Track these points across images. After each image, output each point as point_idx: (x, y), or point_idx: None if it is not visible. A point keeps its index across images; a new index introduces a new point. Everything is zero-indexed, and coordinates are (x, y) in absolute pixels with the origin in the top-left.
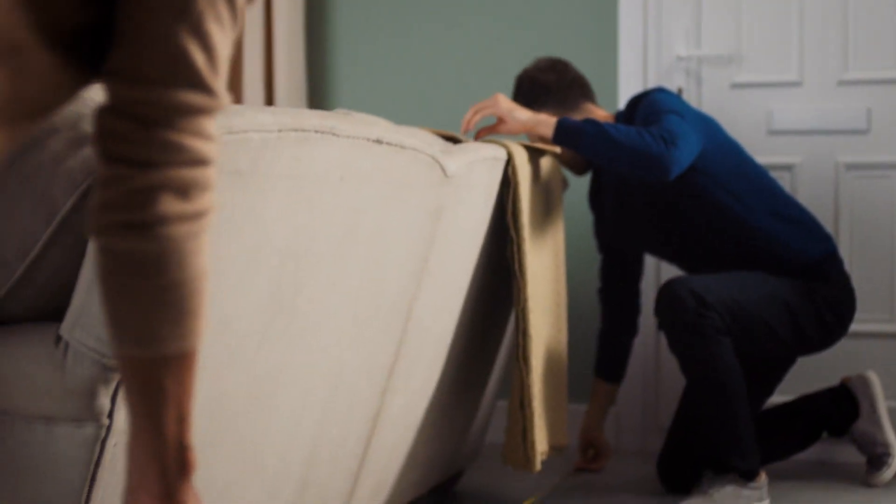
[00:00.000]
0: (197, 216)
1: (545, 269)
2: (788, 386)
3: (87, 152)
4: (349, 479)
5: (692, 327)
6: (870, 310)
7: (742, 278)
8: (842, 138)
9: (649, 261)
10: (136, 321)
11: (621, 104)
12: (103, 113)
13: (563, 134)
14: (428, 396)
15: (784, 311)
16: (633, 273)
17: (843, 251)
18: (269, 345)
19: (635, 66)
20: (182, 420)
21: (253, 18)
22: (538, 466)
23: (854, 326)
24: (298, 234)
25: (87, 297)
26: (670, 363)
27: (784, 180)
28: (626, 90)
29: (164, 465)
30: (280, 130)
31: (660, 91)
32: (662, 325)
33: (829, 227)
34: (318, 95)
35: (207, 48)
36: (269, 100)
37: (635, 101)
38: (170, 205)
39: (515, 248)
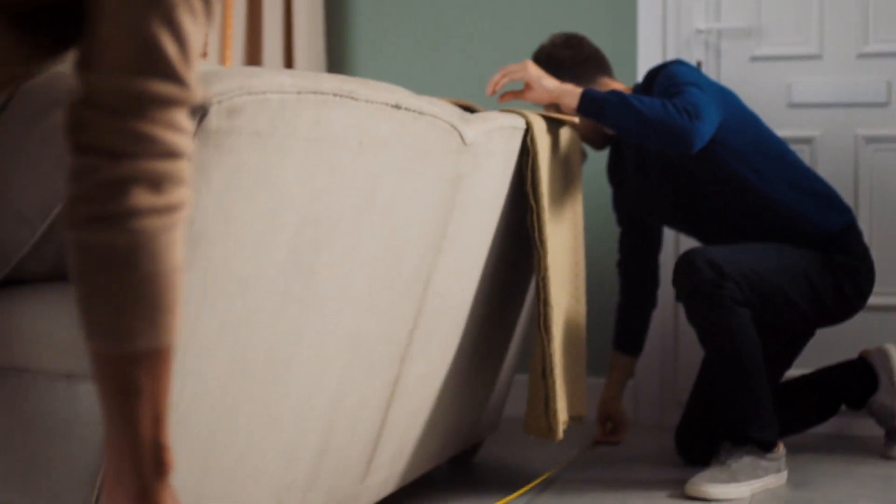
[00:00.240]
0: (170, 210)
1: (564, 239)
2: (807, 359)
3: None
4: (368, 447)
5: (710, 298)
6: (889, 282)
7: (760, 249)
8: (861, 111)
9: (668, 233)
10: (108, 316)
11: (640, 77)
12: (74, 103)
13: (588, 104)
14: (446, 365)
15: (803, 282)
16: (652, 246)
17: (863, 224)
18: (288, 309)
19: (654, 39)
20: (158, 419)
21: None
22: (560, 435)
23: (873, 299)
24: (317, 197)
25: None
26: (689, 337)
27: (803, 153)
28: (645, 63)
29: (140, 464)
30: (299, 93)
31: (678, 63)
32: (680, 295)
33: (848, 199)
34: (337, 70)
35: (179, 39)
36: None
37: (653, 74)
38: (141, 198)
39: (535, 217)
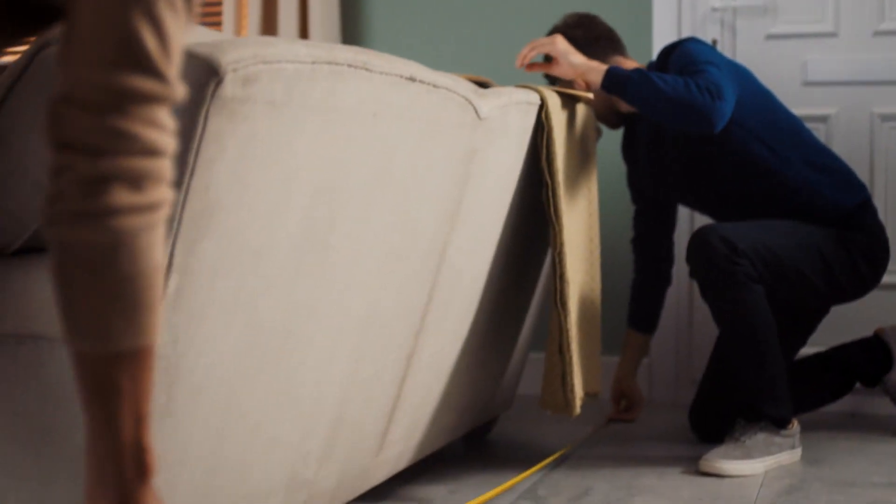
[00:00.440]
0: (150, 208)
1: (578, 216)
2: (821, 337)
3: None
4: (382, 420)
5: (724, 274)
6: None
7: (774, 226)
8: (877, 89)
9: (683, 211)
10: (87, 315)
11: (655, 56)
12: (54, 100)
13: (611, 81)
14: (461, 340)
15: (817, 259)
16: (667, 223)
17: (878, 201)
18: (303, 279)
19: (670, 17)
20: (139, 421)
21: None
22: (577, 410)
23: (887, 277)
24: (331, 168)
25: None
26: (703, 315)
27: (819, 131)
28: (661, 41)
29: (121, 467)
30: (314, 62)
31: (692, 41)
32: (694, 272)
33: (863, 177)
34: (351, 44)
35: (160, 33)
36: None
37: (667, 52)
38: (121, 196)
39: (550, 193)
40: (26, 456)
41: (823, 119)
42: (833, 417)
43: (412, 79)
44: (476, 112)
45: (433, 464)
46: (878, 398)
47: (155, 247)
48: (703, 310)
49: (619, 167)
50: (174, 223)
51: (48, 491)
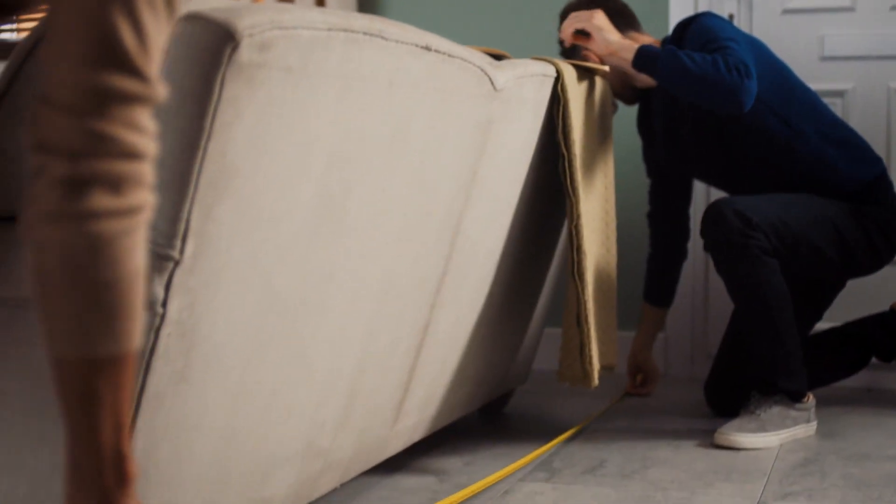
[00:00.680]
0: (129, 213)
1: (594, 189)
2: (837, 313)
3: None
4: (398, 391)
5: (738, 248)
6: None
7: (789, 199)
8: (894, 64)
9: (699, 185)
10: (65, 320)
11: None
12: (35, 102)
13: (641, 60)
14: (477, 312)
15: (832, 233)
16: (682, 198)
17: (894, 175)
18: (319, 247)
19: None
20: (119, 428)
21: None
22: (596, 381)
23: None
24: (347, 136)
25: None
26: (719, 290)
27: (836, 106)
28: (677, 16)
29: (101, 474)
30: (329, 30)
31: (709, 16)
32: (708, 246)
33: (880, 151)
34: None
35: (140, 32)
36: None
37: (683, 26)
38: (100, 199)
39: (566, 165)
40: (42, 418)
41: (840, 94)
42: (848, 392)
43: (427, 48)
44: (492, 83)
45: (448, 436)
46: (894, 373)
47: (135, 252)
48: (718, 284)
49: (635, 141)
50: (191, 187)
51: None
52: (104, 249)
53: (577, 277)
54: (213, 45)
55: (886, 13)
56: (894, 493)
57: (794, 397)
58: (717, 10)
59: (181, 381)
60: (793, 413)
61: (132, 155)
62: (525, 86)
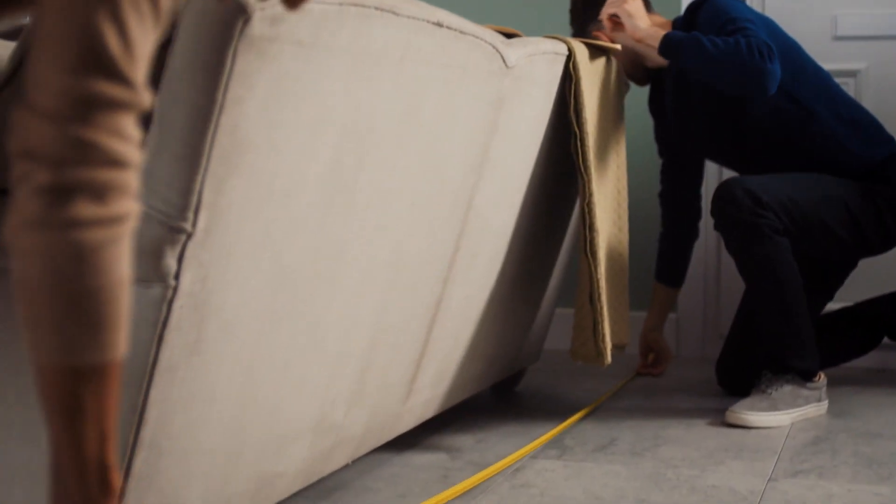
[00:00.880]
0: (114, 221)
1: (606, 168)
2: (849, 293)
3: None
4: (410, 367)
5: (748, 227)
6: None
7: (799, 178)
8: None
9: (711, 165)
10: (50, 329)
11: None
12: (18, 108)
13: (667, 48)
14: (489, 290)
15: (843, 212)
16: (694, 177)
17: None
18: (331, 222)
19: None
20: (104, 438)
21: None
22: (609, 359)
23: None
24: (359, 111)
25: (153, 161)
26: (731, 270)
27: (848, 86)
28: None
29: (85, 484)
30: (341, 4)
31: None
32: (718, 225)
33: (893, 132)
34: None
35: (125, 37)
36: None
37: (695, 6)
38: (84, 208)
39: (578, 143)
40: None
41: (853, 74)
42: (860, 372)
43: (439, 24)
44: (503, 60)
45: (461, 414)
46: None
47: (119, 260)
48: (730, 264)
49: (647, 120)
50: (203, 160)
51: None
52: (88, 258)
53: (589, 255)
54: (224, 18)
55: None
56: None
57: (806, 376)
58: None
59: (194, 354)
60: (804, 392)
61: (117, 163)
62: (537, 63)
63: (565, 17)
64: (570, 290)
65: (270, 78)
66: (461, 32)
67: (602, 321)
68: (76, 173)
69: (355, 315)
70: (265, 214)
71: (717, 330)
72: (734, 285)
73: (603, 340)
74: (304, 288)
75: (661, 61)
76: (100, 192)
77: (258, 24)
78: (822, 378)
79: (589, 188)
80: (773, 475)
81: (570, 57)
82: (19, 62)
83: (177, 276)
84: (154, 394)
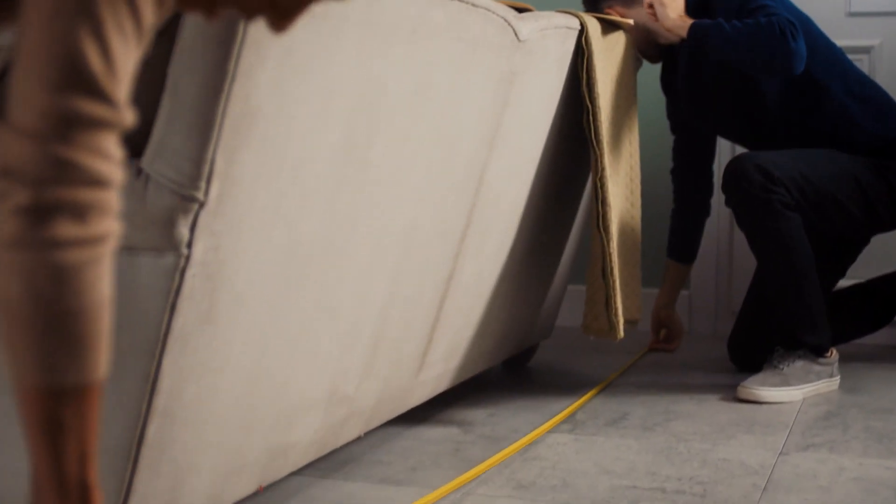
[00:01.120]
0: (95, 241)
1: (618, 143)
2: (861, 270)
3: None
4: (422, 341)
5: (759, 203)
6: None
7: (811, 154)
8: None
9: (724, 142)
10: (30, 350)
11: None
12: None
13: (693, 38)
14: (500, 265)
15: (854, 188)
16: (706, 154)
17: None
18: (342, 193)
19: None
20: (84, 458)
21: None
22: (621, 333)
23: None
24: (371, 82)
25: (166, 130)
26: (743, 247)
27: (862, 63)
28: None
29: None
30: None
31: None
32: (730, 201)
33: None
34: None
35: (107, 55)
36: None
37: None
38: (64, 228)
39: (590, 118)
40: None
41: (867, 50)
42: (872, 349)
43: None
44: (515, 34)
45: (472, 388)
46: None
47: (100, 281)
48: (742, 241)
49: (659, 97)
50: (215, 129)
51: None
52: (68, 279)
53: (602, 230)
54: None
55: None
56: None
57: (818, 352)
58: None
59: (206, 323)
60: (816, 368)
61: (98, 182)
62: (549, 38)
63: None
64: (582, 267)
65: (281, 48)
66: (473, 6)
67: (614, 295)
68: (56, 193)
69: (367, 287)
70: (277, 185)
71: (729, 307)
72: (746, 262)
73: (615, 314)
74: (316, 259)
75: (673, 39)
76: (80, 212)
77: None
78: (833, 354)
79: (601, 162)
80: (783, 449)
81: (583, 31)
82: (0, 78)
83: (189, 245)
84: (167, 362)
